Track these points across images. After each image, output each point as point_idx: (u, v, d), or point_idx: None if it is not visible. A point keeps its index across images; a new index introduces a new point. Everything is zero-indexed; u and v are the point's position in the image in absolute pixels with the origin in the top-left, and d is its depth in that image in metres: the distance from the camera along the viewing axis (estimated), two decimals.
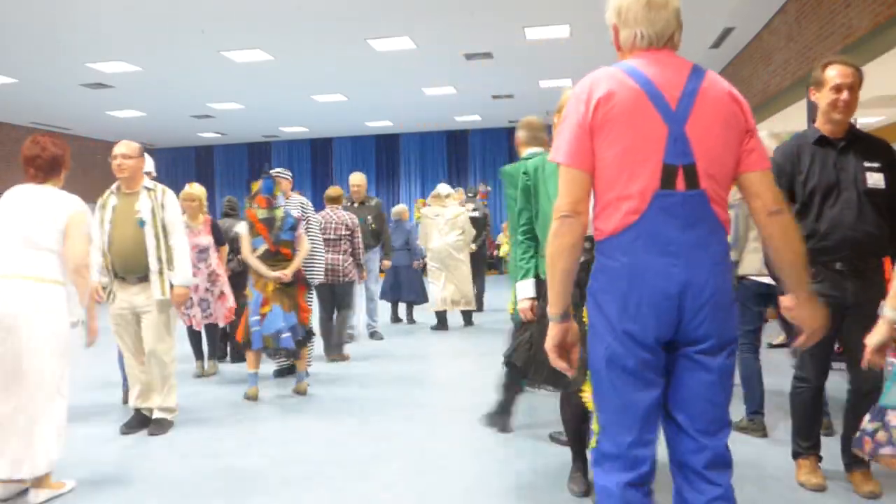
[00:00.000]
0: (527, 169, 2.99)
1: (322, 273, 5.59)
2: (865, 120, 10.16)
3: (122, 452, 3.77)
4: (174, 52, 8.98)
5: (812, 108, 7.42)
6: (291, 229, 4.81)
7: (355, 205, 7.13)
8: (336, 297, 6.07)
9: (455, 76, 10.88)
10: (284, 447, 3.79)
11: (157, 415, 4.07)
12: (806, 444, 3.06)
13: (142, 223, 3.91)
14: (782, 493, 2.98)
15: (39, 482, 3.06)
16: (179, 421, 4.31)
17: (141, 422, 4.11)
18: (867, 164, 2.78)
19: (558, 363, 1.79)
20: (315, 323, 5.33)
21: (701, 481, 1.72)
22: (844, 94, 2.75)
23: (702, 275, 1.64)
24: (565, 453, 3.28)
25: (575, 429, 2.97)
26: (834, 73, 2.76)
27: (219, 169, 18.26)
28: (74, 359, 3.23)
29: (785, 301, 2.84)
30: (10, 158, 13.81)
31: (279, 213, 4.81)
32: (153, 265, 3.92)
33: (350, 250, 6.19)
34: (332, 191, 6.49)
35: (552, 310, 1.76)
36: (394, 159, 17.34)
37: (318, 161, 17.67)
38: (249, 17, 7.70)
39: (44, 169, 3.17)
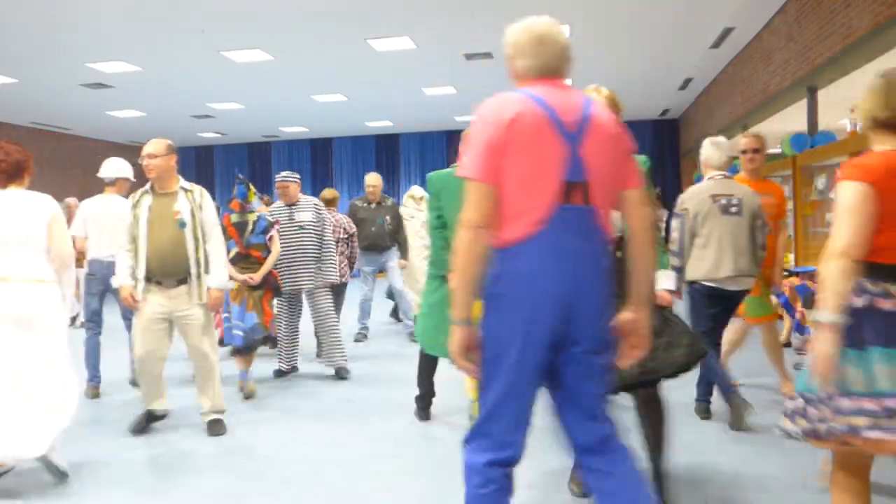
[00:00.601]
0: None
1: (337, 273, 5.52)
2: None
3: (122, 453, 3.77)
4: (174, 52, 8.97)
5: (813, 109, 7.43)
6: (262, 233, 4.90)
7: (372, 205, 7.00)
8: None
9: (455, 76, 10.88)
10: (284, 447, 3.79)
11: (211, 417, 4.07)
12: None
13: (182, 225, 3.85)
14: (782, 492, 2.98)
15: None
16: (178, 421, 4.31)
17: (150, 420, 4.14)
18: None
19: (464, 365, 1.92)
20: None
21: (597, 457, 1.96)
22: None
23: (592, 282, 1.87)
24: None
25: None
26: None
27: (219, 169, 18.25)
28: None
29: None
30: None
31: (251, 217, 4.89)
32: (192, 268, 3.87)
33: (347, 252, 6.25)
34: (329, 193, 6.52)
35: (458, 314, 1.89)
36: (394, 159, 17.33)
37: (318, 161, 17.66)
38: (249, 17, 7.69)
39: (7, 173, 3.28)
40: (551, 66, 1.98)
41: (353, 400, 4.79)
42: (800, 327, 6.10)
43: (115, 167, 5.19)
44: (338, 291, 6.18)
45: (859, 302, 2.02)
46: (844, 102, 8.80)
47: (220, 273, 3.96)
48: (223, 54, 9.14)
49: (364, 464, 3.50)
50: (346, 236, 6.25)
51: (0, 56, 8.96)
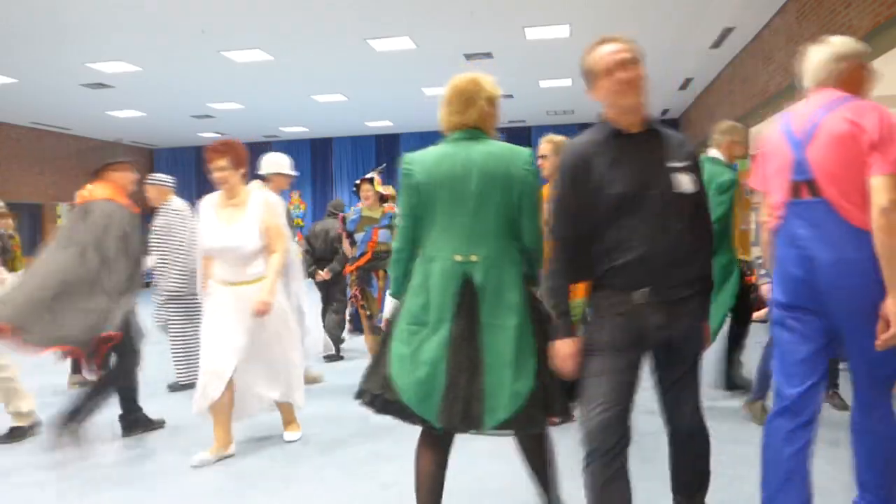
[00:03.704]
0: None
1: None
2: None
3: (122, 452, 3.77)
4: (174, 52, 8.97)
5: None
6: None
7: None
8: None
9: (455, 76, 10.87)
10: (284, 447, 3.80)
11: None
12: None
13: None
14: None
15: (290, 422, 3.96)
16: (179, 421, 4.31)
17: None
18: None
19: None
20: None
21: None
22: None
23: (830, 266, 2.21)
24: (568, 455, 3.27)
25: None
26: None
27: None
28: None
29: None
30: (10, 158, 13.81)
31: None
32: None
33: None
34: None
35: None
36: (394, 159, 17.32)
37: (318, 161, 17.67)
38: (249, 17, 7.70)
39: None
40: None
41: (352, 400, 4.79)
42: None
43: (265, 162, 5.10)
44: None
45: None
46: None
47: None
48: (223, 54, 9.14)
49: (364, 464, 3.50)
50: None
51: (0, 56, 8.96)
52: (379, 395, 2.31)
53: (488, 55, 9.51)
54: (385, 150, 17.34)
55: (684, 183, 2.09)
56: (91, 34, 8.12)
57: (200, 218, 3.64)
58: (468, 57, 9.62)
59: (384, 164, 6.65)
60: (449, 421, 2.19)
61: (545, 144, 4.00)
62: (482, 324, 2.18)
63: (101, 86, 10.73)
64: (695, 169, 2.16)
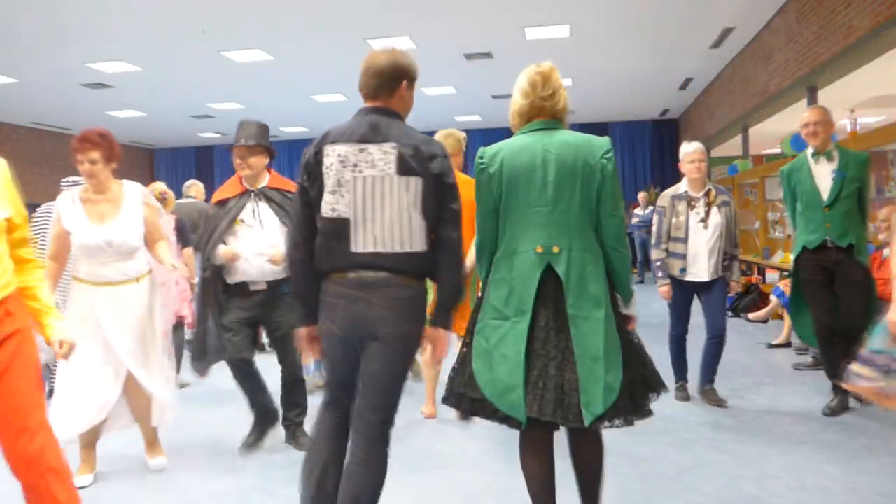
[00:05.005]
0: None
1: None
2: (865, 120, 10.16)
3: (123, 453, 3.77)
4: (174, 52, 8.98)
5: None
6: None
7: None
8: None
9: (455, 76, 10.88)
10: (285, 447, 3.79)
11: None
12: None
13: None
14: (782, 492, 2.98)
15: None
16: (178, 423, 4.30)
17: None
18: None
19: None
20: None
21: None
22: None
23: None
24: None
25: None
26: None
27: (219, 169, 18.26)
28: None
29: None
30: (10, 158, 13.79)
31: None
32: None
33: None
34: None
35: None
36: None
37: None
38: (249, 17, 7.70)
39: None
40: None
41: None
42: None
43: None
44: None
45: None
46: (844, 102, 8.82)
47: None
48: (223, 54, 9.14)
49: None
50: None
51: (0, 56, 8.96)
52: (463, 393, 2.24)
53: (488, 55, 9.51)
54: None
55: None
56: (91, 34, 8.12)
57: (63, 216, 3.25)
58: (468, 57, 9.62)
59: None
60: (540, 411, 2.09)
61: (448, 139, 4.07)
62: (569, 315, 2.13)
63: (101, 86, 10.73)
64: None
